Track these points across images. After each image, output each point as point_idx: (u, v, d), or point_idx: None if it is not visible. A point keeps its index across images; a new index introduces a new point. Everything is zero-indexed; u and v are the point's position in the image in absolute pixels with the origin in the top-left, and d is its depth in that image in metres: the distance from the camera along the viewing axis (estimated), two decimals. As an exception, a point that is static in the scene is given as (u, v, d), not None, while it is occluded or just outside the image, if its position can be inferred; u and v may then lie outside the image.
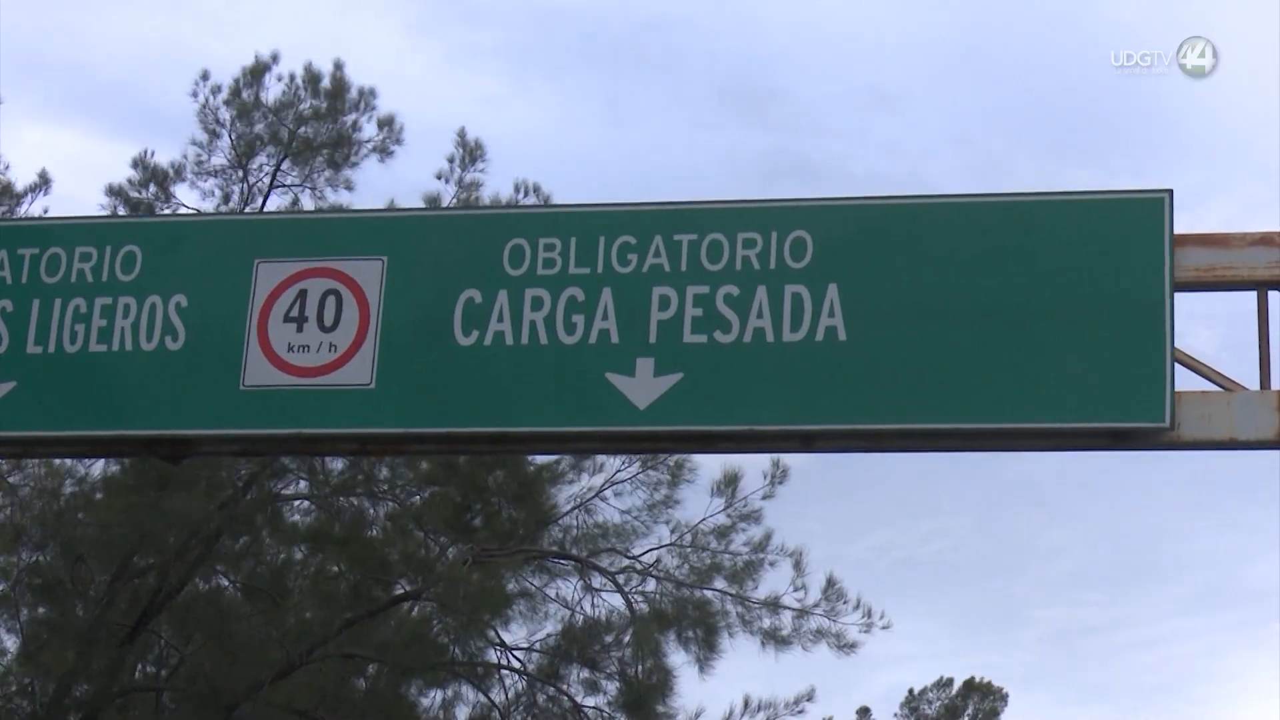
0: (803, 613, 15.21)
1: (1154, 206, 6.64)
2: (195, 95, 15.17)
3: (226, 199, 14.80)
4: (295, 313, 7.09)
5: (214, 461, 12.94)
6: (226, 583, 15.31)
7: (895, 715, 30.77)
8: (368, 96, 15.71)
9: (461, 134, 15.63)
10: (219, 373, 7.15)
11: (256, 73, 15.15)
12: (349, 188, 15.16)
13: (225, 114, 15.02)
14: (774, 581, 15.29)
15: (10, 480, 14.09)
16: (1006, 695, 31.90)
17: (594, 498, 15.50)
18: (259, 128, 15.01)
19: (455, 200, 15.10)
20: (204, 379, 7.20)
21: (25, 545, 14.12)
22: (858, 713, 29.26)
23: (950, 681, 31.62)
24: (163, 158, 15.07)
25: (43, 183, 15.23)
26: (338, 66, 15.32)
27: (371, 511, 15.43)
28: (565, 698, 15.50)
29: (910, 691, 32.11)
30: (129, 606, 14.15)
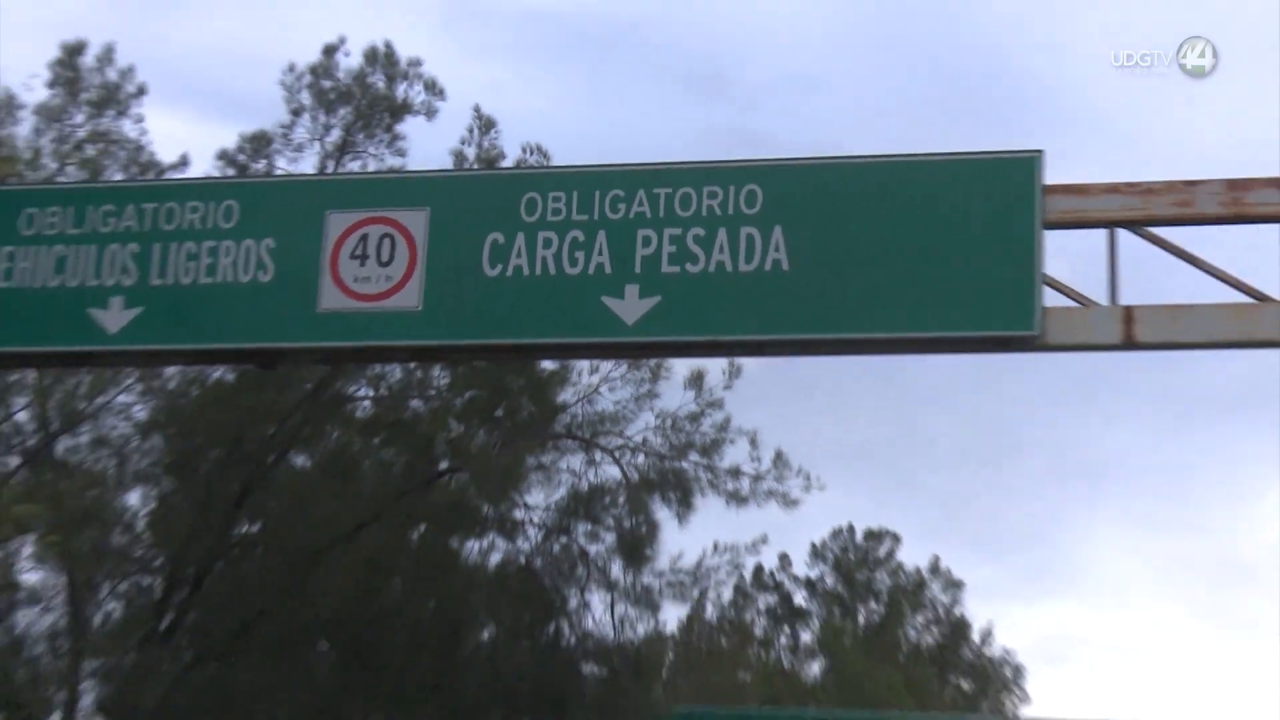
0: (757, 478, 15.41)
1: (1029, 163, 6.60)
2: (283, 83, 14.82)
3: (322, 166, 14.54)
4: (359, 252, 7.05)
5: (298, 368, 12.96)
6: (309, 462, 15.38)
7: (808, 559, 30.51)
8: (414, 65, 15.21)
9: (476, 110, 15.20)
10: (300, 299, 7.11)
11: (329, 52, 14.78)
12: (401, 154, 14.80)
13: (305, 97, 14.70)
14: (735, 454, 15.46)
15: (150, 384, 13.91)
16: (900, 537, 31.47)
17: (593, 392, 15.54)
18: (334, 105, 14.77)
19: (475, 161, 14.94)
20: (289, 304, 7.18)
21: (158, 434, 14.02)
22: (779, 557, 29.19)
23: (852, 529, 31.23)
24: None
25: (181, 163, 14.80)
26: (388, 46, 14.95)
27: (421, 406, 15.49)
28: (574, 545, 15.72)
29: (813, 543, 31.66)
30: (236, 481, 14.17)
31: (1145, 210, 6.60)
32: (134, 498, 14.60)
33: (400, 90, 14.93)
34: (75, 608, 13.35)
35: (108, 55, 14.19)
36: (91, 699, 13.17)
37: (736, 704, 21.07)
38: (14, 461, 13.04)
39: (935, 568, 31.19)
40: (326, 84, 14.74)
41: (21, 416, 13.28)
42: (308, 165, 14.50)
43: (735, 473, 15.14)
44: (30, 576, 12.92)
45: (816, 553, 30.94)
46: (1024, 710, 31.94)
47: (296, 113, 14.55)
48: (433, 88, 15.14)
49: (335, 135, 14.62)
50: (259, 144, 14.15)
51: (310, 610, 13.81)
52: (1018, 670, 31.65)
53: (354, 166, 14.70)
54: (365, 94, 14.73)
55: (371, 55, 14.88)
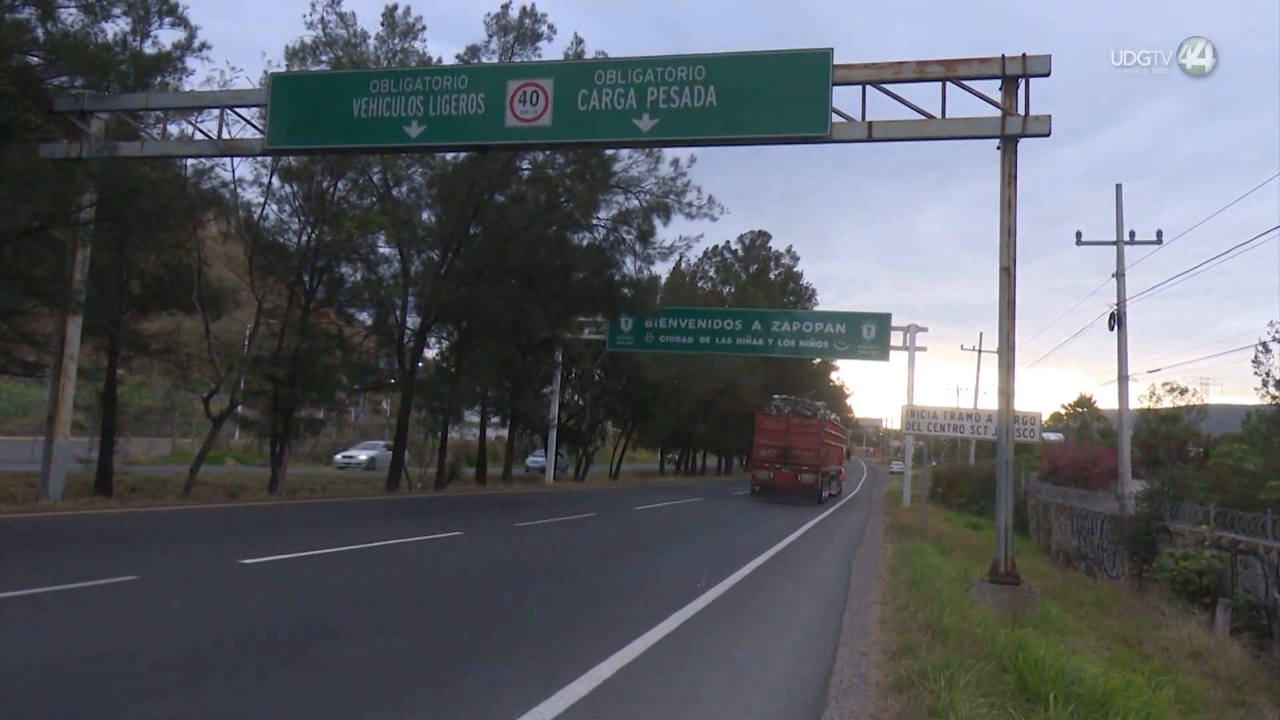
0: (700, 206, 21.39)
1: (826, 54, 10.47)
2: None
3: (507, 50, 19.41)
4: (522, 98, 11.22)
5: (497, 153, 17.66)
6: (503, 198, 21.11)
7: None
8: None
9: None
10: (497, 120, 11.08)
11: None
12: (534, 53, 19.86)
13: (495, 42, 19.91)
14: (690, 195, 21.48)
15: (430, 164, 20.02)
16: (770, 235, 56.86)
17: (627, 165, 21.32)
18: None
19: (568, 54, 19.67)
20: (492, 122, 11.10)
21: (435, 186, 20.35)
22: (711, 247, 51.22)
23: (752, 234, 54.84)
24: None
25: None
26: None
27: (552, 172, 21.20)
28: (619, 234, 22.23)
29: (727, 241, 56.08)
30: (470, 204, 20.25)
31: (879, 76, 10.46)
32: (425, 214, 21.26)
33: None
34: (403, 264, 20.58)
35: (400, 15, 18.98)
36: (412, 301, 20.92)
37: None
38: (372, 199, 19.32)
39: (788, 250, 56.42)
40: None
41: (376, 179, 19.44)
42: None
43: (689, 204, 21.21)
44: (382, 249, 20.02)
45: (733, 245, 54.72)
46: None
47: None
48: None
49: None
50: (473, 51, 19.72)
51: (509, 263, 20.72)
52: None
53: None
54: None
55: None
